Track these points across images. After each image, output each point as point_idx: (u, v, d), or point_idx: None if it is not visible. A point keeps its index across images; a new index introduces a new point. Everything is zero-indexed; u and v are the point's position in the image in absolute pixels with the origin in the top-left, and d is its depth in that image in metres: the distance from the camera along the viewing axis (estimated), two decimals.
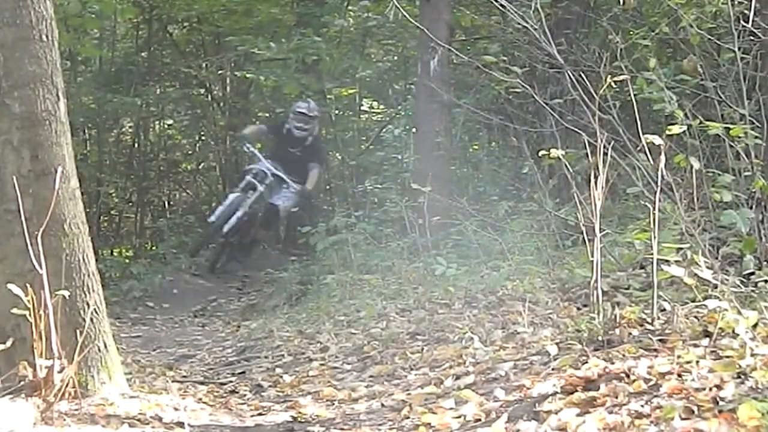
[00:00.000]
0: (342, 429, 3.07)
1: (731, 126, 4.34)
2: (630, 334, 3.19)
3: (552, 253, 5.47)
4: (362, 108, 11.47)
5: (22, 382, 3.05)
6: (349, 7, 10.45)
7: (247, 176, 8.82)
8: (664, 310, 3.36)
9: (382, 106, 11.49)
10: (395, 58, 10.75)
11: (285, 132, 9.09)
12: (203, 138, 12.18)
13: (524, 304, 4.26)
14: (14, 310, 3.00)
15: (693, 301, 3.35)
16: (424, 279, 5.85)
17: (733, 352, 2.73)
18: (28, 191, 3.20)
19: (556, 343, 3.43)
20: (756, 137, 4.39)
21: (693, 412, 2.31)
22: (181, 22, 11.24)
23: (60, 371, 3.03)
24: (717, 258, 4.05)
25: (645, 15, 6.75)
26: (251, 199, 8.68)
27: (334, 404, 3.54)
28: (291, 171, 8.84)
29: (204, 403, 3.77)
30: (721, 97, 4.88)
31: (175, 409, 3.38)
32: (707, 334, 2.96)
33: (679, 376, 2.61)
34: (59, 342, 3.02)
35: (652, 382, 2.62)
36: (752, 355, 2.65)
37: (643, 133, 3.66)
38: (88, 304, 3.31)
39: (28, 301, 2.96)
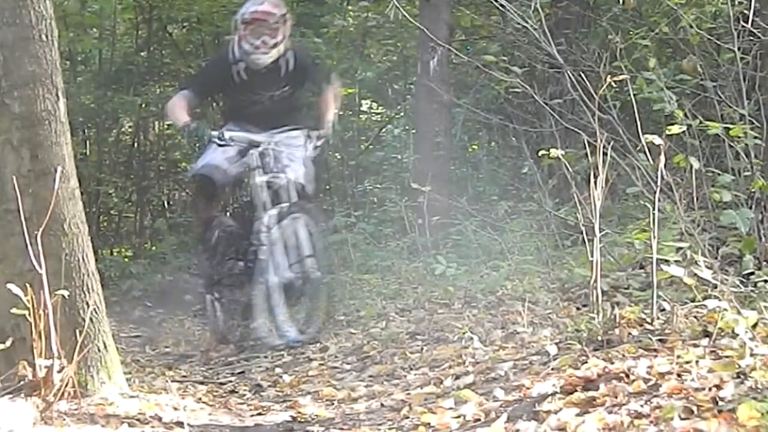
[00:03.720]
0: (341, 429, 3.07)
1: (731, 126, 4.34)
2: (630, 334, 3.19)
3: (552, 253, 5.48)
4: (362, 108, 11.46)
5: (21, 382, 3.05)
6: (349, 7, 10.45)
7: (258, 177, 5.13)
8: (664, 310, 3.36)
9: (381, 107, 11.49)
10: (395, 58, 10.74)
11: (237, 76, 5.30)
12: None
13: (524, 304, 4.26)
14: (14, 310, 3.00)
15: (693, 301, 3.35)
16: (423, 279, 5.85)
17: (733, 352, 2.73)
18: (27, 191, 3.20)
19: (556, 343, 3.43)
20: (756, 137, 4.40)
21: (692, 412, 2.31)
22: (180, 22, 11.22)
23: (59, 371, 3.03)
24: (717, 258, 4.05)
25: (645, 15, 6.75)
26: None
27: (333, 404, 3.54)
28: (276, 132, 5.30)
29: (203, 402, 3.77)
30: (720, 97, 4.89)
31: (175, 408, 3.37)
32: (707, 334, 2.96)
33: (679, 376, 2.61)
34: (59, 342, 3.02)
35: (651, 382, 2.61)
36: (752, 355, 2.64)
37: (643, 133, 3.67)
38: (87, 303, 3.31)
39: (28, 300, 2.96)
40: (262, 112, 5.33)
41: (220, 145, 5.12)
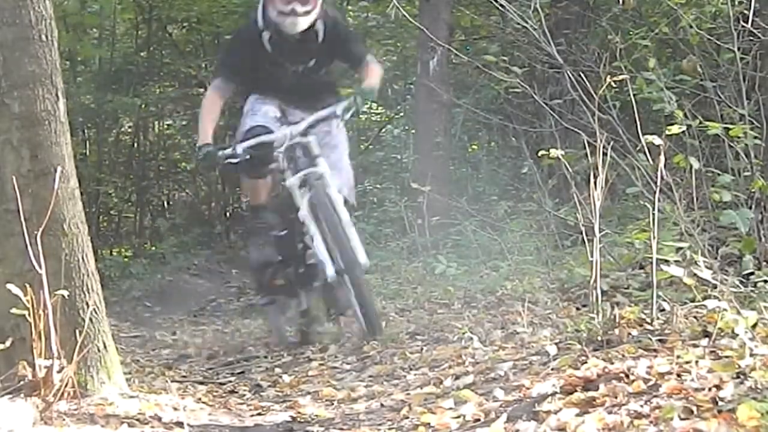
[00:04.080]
0: (341, 429, 3.07)
1: (731, 126, 4.35)
2: (629, 334, 3.18)
3: (551, 253, 5.48)
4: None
5: (21, 382, 3.04)
6: (349, 7, 10.45)
7: (290, 178, 4.66)
8: (664, 310, 3.36)
9: (381, 107, 11.50)
10: (395, 58, 10.76)
11: (269, 45, 4.74)
12: None
13: (523, 304, 4.26)
14: (13, 310, 3.00)
15: (692, 301, 3.34)
16: (423, 279, 5.86)
17: (733, 352, 2.72)
18: (27, 191, 3.20)
19: (556, 343, 3.43)
20: (755, 137, 4.40)
21: (692, 412, 2.31)
22: (180, 22, 11.24)
23: (59, 371, 3.03)
24: (716, 258, 4.05)
25: (644, 15, 6.76)
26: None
27: (333, 404, 3.53)
28: (303, 111, 4.79)
29: (203, 403, 3.76)
30: (720, 97, 4.89)
31: (175, 408, 3.37)
32: (707, 334, 2.96)
33: (679, 376, 2.61)
34: (58, 342, 3.02)
35: (651, 382, 2.61)
36: (751, 355, 2.64)
37: (643, 133, 3.67)
38: (87, 303, 3.31)
39: (28, 301, 2.95)
40: (291, 89, 4.80)
41: (231, 156, 4.63)
